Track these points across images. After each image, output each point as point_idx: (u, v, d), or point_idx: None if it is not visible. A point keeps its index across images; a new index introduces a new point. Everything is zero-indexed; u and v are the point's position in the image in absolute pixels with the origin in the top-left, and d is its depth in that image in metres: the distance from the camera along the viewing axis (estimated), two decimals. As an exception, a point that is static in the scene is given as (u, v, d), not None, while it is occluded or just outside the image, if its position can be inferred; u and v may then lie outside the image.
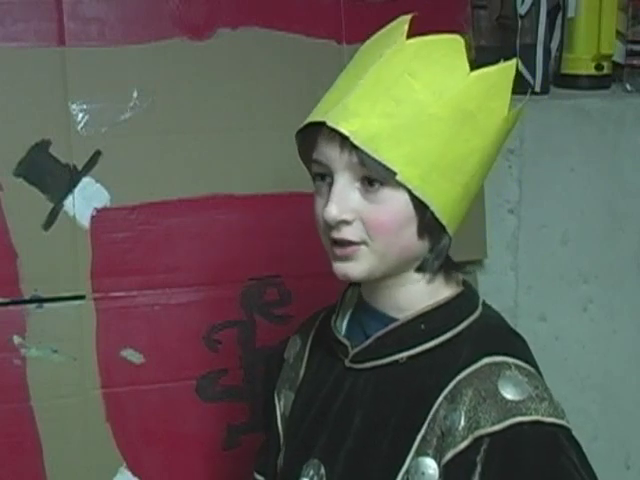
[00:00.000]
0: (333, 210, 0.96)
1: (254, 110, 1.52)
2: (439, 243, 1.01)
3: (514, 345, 1.04)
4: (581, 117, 1.76)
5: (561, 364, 1.80)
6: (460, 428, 0.95)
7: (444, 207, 0.98)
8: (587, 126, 1.77)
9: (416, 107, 0.96)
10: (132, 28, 1.47)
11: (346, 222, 0.97)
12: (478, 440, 0.94)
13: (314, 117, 0.99)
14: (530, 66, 1.77)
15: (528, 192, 1.75)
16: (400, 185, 0.95)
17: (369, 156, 0.94)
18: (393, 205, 0.97)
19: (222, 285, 1.52)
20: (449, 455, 0.95)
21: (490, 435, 0.94)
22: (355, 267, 0.99)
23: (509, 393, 0.96)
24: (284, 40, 1.53)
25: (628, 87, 1.85)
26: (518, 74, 1.75)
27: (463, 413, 0.95)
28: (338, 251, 0.99)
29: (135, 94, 1.47)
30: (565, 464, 0.94)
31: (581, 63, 1.83)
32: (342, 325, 1.10)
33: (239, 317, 1.53)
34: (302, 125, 1.01)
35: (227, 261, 1.51)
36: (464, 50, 0.99)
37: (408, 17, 1.02)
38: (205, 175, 1.50)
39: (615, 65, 1.87)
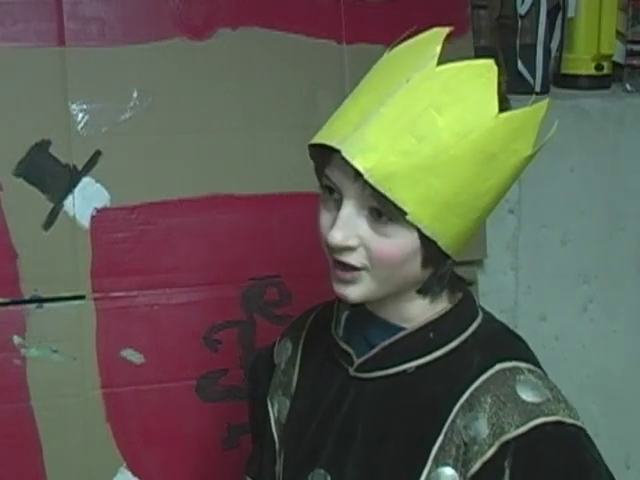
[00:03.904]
0: (338, 236, 0.95)
1: (254, 110, 1.52)
2: (442, 269, 1.00)
3: (521, 349, 1.04)
4: (581, 117, 1.76)
5: (561, 364, 1.80)
6: (485, 436, 0.95)
7: (452, 241, 0.97)
8: (587, 126, 1.77)
9: (437, 147, 0.92)
10: (132, 28, 1.47)
11: (350, 248, 0.96)
12: (504, 445, 0.94)
13: (330, 139, 0.94)
14: (530, 66, 1.77)
15: (528, 192, 1.74)
16: (410, 223, 0.94)
17: (382, 194, 0.92)
18: (399, 240, 0.95)
19: (222, 285, 1.52)
20: (477, 465, 0.95)
21: (515, 438, 0.94)
22: (354, 291, 0.98)
23: (528, 396, 0.96)
24: (284, 40, 1.53)
25: (628, 87, 1.85)
26: (518, 74, 1.77)
27: (486, 420, 0.95)
28: (340, 273, 0.98)
29: (135, 94, 1.47)
30: (589, 461, 0.95)
31: (581, 63, 1.83)
32: (339, 331, 1.09)
33: (239, 317, 1.53)
34: (314, 141, 0.97)
35: (227, 261, 1.51)
36: (495, 81, 0.95)
37: (443, 33, 0.97)
38: (205, 175, 1.50)
39: (615, 65, 1.87)
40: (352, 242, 0.96)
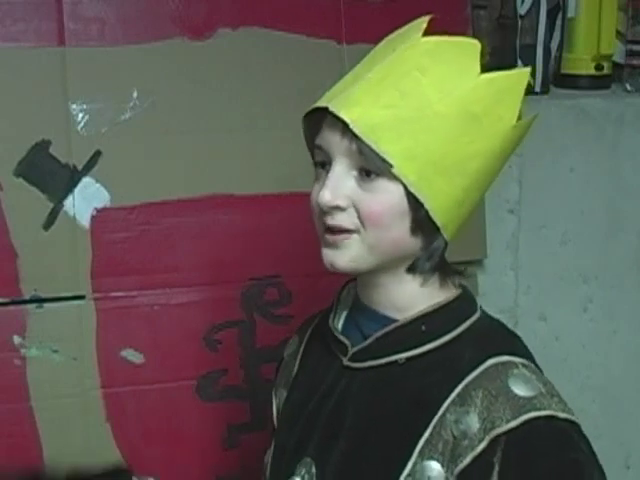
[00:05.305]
0: (327, 195, 0.96)
1: (254, 110, 1.52)
2: (432, 243, 1.01)
3: (516, 345, 1.04)
4: (581, 117, 1.76)
5: (561, 364, 1.80)
6: (475, 430, 0.94)
7: (440, 207, 0.98)
8: (587, 126, 1.77)
9: (421, 102, 0.96)
10: (132, 28, 1.47)
11: (340, 208, 0.97)
12: (495, 440, 0.93)
13: (319, 103, 0.99)
14: (530, 66, 1.77)
15: (528, 192, 1.75)
16: (396, 178, 0.95)
17: (368, 146, 0.94)
18: (387, 196, 0.96)
19: (222, 285, 1.52)
20: (467, 459, 0.94)
21: (506, 433, 0.93)
22: (342, 256, 0.99)
23: (521, 390, 0.95)
24: (284, 40, 1.54)
25: (628, 87, 1.86)
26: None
27: (476, 415, 0.95)
28: (329, 237, 0.99)
29: (135, 94, 1.47)
30: (580, 458, 0.95)
31: (581, 63, 1.84)
32: (338, 324, 1.10)
33: (239, 317, 1.53)
34: (308, 110, 1.01)
35: (227, 261, 1.51)
36: (478, 54, 0.98)
37: (427, 18, 1.02)
38: (205, 175, 1.50)
39: (615, 65, 1.87)
40: (341, 202, 0.97)
